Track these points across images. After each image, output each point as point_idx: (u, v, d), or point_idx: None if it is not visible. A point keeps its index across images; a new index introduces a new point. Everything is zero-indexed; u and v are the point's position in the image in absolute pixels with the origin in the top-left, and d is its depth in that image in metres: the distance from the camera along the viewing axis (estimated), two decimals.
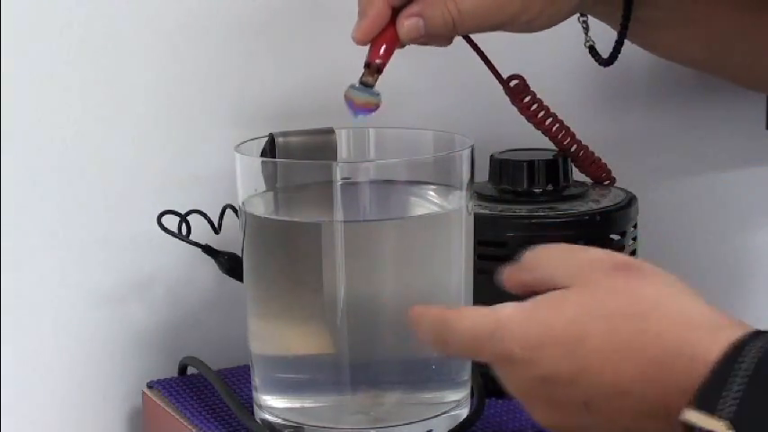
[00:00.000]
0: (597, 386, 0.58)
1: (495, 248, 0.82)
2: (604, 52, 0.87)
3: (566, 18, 0.82)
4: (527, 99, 0.87)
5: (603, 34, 0.87)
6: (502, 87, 0.86)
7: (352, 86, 0.77)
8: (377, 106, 0.77)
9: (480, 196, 0.85)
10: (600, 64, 0.87)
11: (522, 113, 0.87)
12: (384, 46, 0.76)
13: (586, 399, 0.58)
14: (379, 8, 0.75)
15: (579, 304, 0.59)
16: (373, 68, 0.76)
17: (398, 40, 0.77)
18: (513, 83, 0.87)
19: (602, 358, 0.57)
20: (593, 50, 0.88)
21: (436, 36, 0.78)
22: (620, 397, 0.57)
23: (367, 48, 0.78)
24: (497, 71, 0.86)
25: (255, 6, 0.92)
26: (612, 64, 0.87)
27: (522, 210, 0.83)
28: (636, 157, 1.08)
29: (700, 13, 0.85)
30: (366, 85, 0.77)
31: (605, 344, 0.57)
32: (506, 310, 0.60)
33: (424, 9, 0.76)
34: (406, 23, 0.76)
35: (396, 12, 0.76)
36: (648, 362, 0.57)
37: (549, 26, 0.81)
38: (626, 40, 0.86)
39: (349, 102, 0.78)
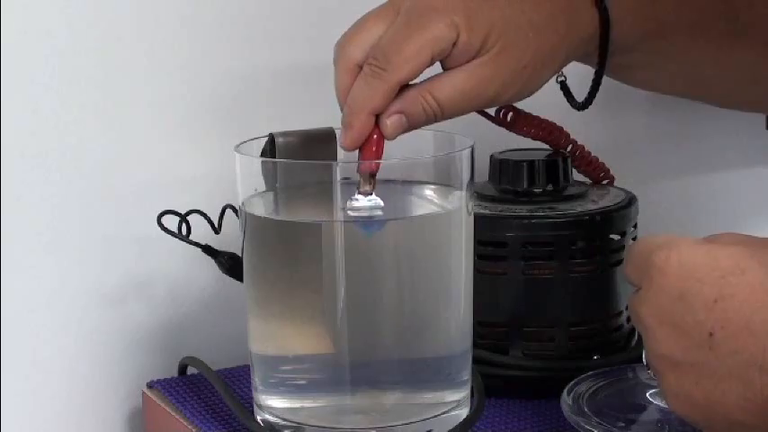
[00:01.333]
0: (730, 318, 0.61)
1: (495, 248, 0.82)
2: (583, 84, 0.87)
3: (547, 81, 0.82)
4: (514, 127, 0.88)
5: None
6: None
7: (352, 199, 0.74)
8: (382, 213, 0.74)
9: (480, 196, 0.85)
10: (574, 107, 0.87)
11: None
12: (374, 150, 0.75)
13: (714, 329, 0.61)
14: (363, 119, 0.75)
15: (746, 247, 0.63)
16: (367, 176, 0.74)
17: (384, 138, 0.76)
18: (501, 113, 0.87)
19: (747, 293, 0.61)
20: (564, 87, 0.87)
21: (421, 126, 0.78)
22: (745, 335, 0.60)
23: None
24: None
25: (257, 5, 0.92)
26: (587, 108, 0.87)
27: (522, 210, 0.83)
28: (636, 157, 1.08)
29: (675, 51, 0.86)
30: (365, 194, 0.74)
31: (756, 284, 0.61)
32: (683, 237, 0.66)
33: (404, 106, 0.76)
34: (389, 122, 0.75)
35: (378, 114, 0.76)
36: None
37: (532, 94, 0.81)
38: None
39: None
